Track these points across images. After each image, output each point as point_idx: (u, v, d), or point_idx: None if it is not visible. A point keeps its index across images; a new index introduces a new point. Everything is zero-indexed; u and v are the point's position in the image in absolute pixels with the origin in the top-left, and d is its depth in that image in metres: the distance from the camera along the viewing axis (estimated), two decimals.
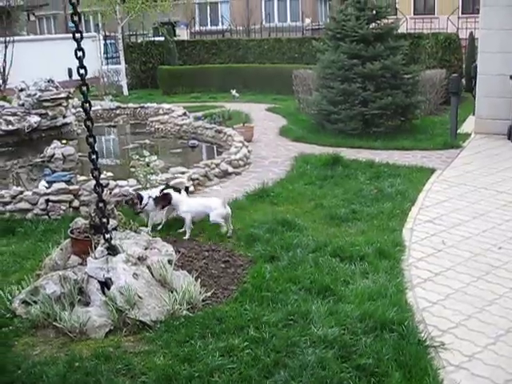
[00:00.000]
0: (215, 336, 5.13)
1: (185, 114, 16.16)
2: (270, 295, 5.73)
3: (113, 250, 5.94)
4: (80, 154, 12.72)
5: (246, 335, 5.09)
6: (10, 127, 13.92)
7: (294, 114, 16.71)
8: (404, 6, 31.35)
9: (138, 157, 9.00)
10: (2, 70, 16.39)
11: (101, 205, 5.84)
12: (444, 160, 11.35)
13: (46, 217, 8.59)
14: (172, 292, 5.78)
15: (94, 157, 5.77)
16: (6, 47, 16.60)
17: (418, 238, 7.34)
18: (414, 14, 33.60)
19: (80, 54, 5.42)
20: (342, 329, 5.10)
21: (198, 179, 9.82)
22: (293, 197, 9.12)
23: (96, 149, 5.80)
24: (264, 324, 5.22)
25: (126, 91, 24.56)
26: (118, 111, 18.49)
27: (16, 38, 19.35)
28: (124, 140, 15.34)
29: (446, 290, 5.93)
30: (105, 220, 5.88)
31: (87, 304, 5.71)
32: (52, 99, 14.61)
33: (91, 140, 5.73)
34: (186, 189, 8.20)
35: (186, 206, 7.67)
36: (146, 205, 7.64)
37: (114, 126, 17.22)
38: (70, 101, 15.93)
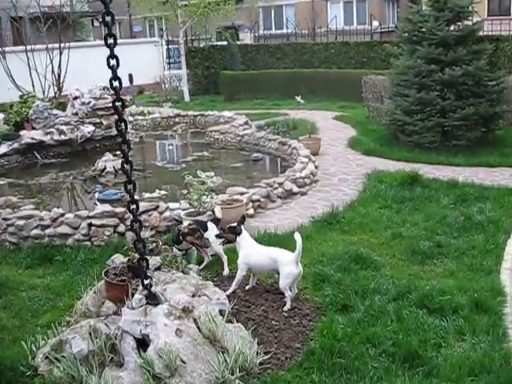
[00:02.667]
0: None
1: (246, 123, 15.16)
2: (344, 362, 4.58)
3: (153, 299, 4.94)
4: (134, 167, 11.87)
5: None
6: (63, 137, 13.27)
7: (363, 123, 15.41)
8: (477, 7, 29.46)
9: (190, 177, 8.01)
10: (56, 77, 15.75)
11: (139, 245, 4.84)
12: None
13: (88, 243, 7.70)
14: (223, 353, 4.72)
15: (130, 187, 4.77)
16: (60, 53, 15.98)
17: None
18: (488, 16, 31.57)
19: (113, 62, 4.44)
20: None
21: (258, 200, 8.74)
22: (366, 223, 7.92)
23: (132, 178, 4.80)
24: None
25: (187, 97, 23.81)
26: (177, 119, 17.69)
27: (72, 44, 18.80)
28: (182, 152, 14.37)
29: None
30: (144, 263, 4.88)
31: (120, 365, 4.70)
32: (107, 108, 13.86)
33: (127, 167, 4.73)
34: (242, 220, 6.29)
35: (245, 254, 6.02)
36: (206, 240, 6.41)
37: (172, 136, 16.39)
38: (125, 109, 15.22)
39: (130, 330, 4.78)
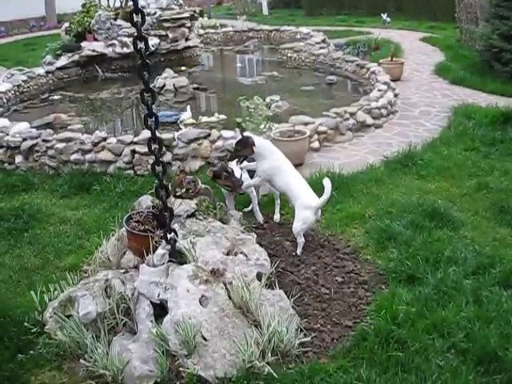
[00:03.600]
0: None
1: (324, 41, 13.85)
2: (401, 357, 3.65)
3: (177, 257, 4.13)
4: (195, 85, 10.98)
5: None
6: (125, 50, 12.44)
7: (453, 47, 13.75)
8: None
9: (247, 103, 7.01)
10: None
11: (161, 192, 3.99)
12: None
13: (131, 172, 6.97)
14: (256, 327, 3.90)
15: (152, 125, 3.86)
16: None
17: None
18: None
19: None
20: None
21: (325, 133, 7.68)
22: (447, 168, 6.76)
23: (154, 118, 3.87)
24: None
25: (265, 10, 22.44)
26: (250, 34, 16.55)
27: None
28: (250, 70, 13.21)
29: None
30: (167, 213, 4.03)
31: (134, 333, 3.97)
32: (173, 19, 12.90)
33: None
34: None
35: (269, 166, 5.07)
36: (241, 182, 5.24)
37: (244, 52, 15.25)
38: (195, 22, 14.20)
39: (146, 292, 4.02)
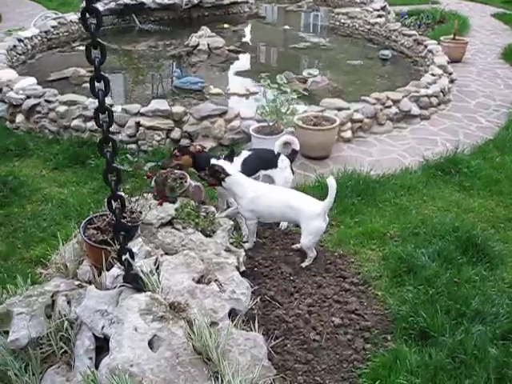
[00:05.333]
0: None
1: (384, 8, 12.64)
2: None
3: (133, 281, 3.36)
4: (231, 47, 10.05)
5: None
6: (166, 1, 11.56)
7: None
8: None
9: (268, 81, 6.08)
10: None
11: (115, 203, 3.19)
12: None
13: (134, 146, 6.22)
14: (217, 379, 3.13)
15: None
16: None
17: None
18: None
19: None
20: None
21: (361, 121, 6.72)
22: (497, 181, 5.75)
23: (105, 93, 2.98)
24: None
25: None
26: None
27: None
28: (295, 34, 12.02)
29: None
30: (120, 232, 3.25)
31: (70, 367, 3.26)
32: None
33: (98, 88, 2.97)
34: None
35: (250, 200, 4.29)
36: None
37: (295, 12, 14.11)
38: None
39: (89, 322, 3.27)
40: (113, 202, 3.17)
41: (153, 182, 4.23)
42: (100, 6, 11.15)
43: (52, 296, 3.53)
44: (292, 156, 4.88)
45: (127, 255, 3.31)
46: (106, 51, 2.77)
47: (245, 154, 4.74)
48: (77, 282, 3.71)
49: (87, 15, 2.71)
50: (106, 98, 2.98)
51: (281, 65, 8.92)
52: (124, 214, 3.43)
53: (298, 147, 4.87)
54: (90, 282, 3.64)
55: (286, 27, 12.12)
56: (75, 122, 6.38)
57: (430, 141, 6.67)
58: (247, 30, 12.62)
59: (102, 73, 2.80)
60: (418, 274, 4.19)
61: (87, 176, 5.74)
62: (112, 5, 11.27)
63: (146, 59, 9.91)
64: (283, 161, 4.79)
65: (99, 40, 2.73)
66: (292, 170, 4.87)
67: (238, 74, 9.12)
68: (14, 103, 6.73)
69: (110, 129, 3.11)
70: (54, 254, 4.01)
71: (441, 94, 7.65)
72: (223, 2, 12.24)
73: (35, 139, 6.52)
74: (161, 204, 3.95)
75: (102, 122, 3.05)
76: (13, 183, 5.50)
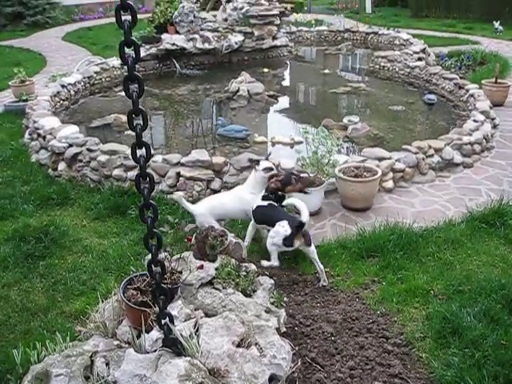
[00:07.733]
0: None
1: (424, 50, 12.60)
2: None
3: (172, 345, 3.31)
4: (271, 92, 10.11)
5: None
6: (207, 46, 11.78)
7: None
8: None
9: (308, 129, 6.07)
10: None
11: (155, 268, 3.17)
12: None
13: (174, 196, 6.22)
14: None
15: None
16: None
17: None
18: None
19: None
20: None
21: (402, 171, 6.62)
22: None
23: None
24: None
25: (369, 8, 21.18)
26: (346, 35, 15.47)
27: None
28: (335, 79, 12.01)
29: None
30: (161, 296, 3.22)
31: None
32: (260, 16, 12.06)
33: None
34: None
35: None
36: None
37: (334, 55, 14.18)
38: (285, 18, 13.31)
39: None
40: (153, 266, 3.15)
41: (193, 240, 4.22)
42: (142, 51, 11.40)
43: (91, 356, 3.50)
44: (296, 229, 4.55)
45: (167, 319, 3.28)
46: (143, 84, 2.71)
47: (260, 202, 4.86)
48: (116, 342, 3.68)
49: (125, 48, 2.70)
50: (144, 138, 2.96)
51: (321, 111, 8.90)
52: (164, 276, 3.41)
53: (305, 219, 4.52)
54: (129, 343, 3.61)
55: (326, 71, 12.15)
56: (116, 172, 6.45)
57: (474, 190, 6.53)
58: (287, 73, 12.72)
59: (141, 106, 2.77)
60: (464, 335, 4.03)
61: (127, 227, 5.76)
62: (153, 50, 11.49)
63: (186, 103, 10.02)
64: (280, 227, 4.59)
65: (136, 73, 2.69)
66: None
67: (279, 120, 9.14)
68: (57, 151, 6.86)
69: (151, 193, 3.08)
70: (93, 311, 4.00)
71: (484, 140, 7.52)
72: (263, 47, 12.37)
73: (77, 188, 6.61)
74: (201, 267, 3.91)
75: (143, 188, 3.03)
76: (54, 233, 5.55)
